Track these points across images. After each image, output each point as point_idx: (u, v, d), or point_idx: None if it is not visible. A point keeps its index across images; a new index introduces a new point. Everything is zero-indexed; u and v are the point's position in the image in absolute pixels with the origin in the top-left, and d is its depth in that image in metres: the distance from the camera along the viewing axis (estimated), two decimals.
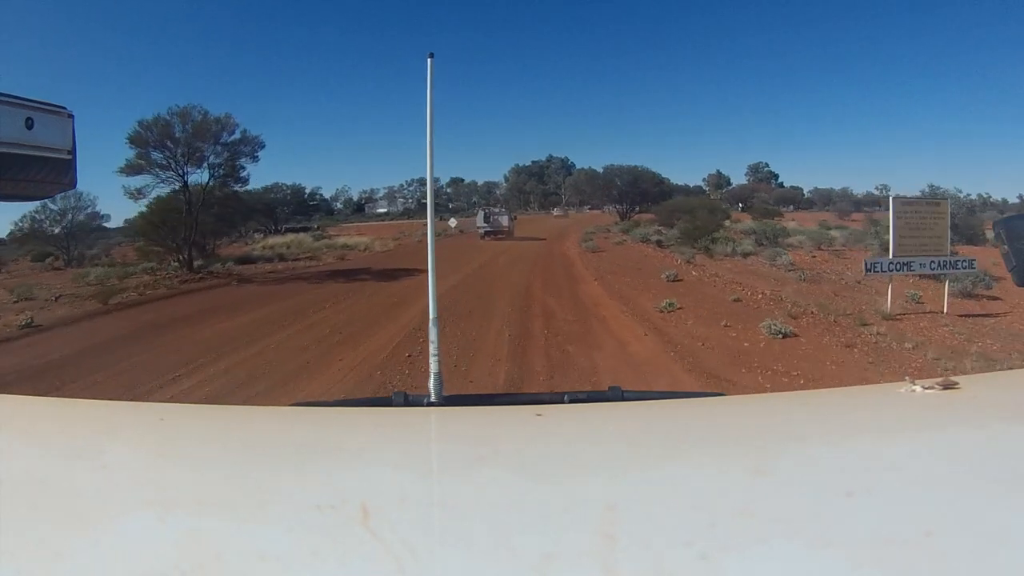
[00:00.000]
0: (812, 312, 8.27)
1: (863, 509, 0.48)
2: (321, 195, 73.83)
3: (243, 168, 18.89)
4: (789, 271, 13.20)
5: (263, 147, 18.89)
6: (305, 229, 42.42)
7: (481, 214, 32.20)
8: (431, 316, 1.15)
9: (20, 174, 1.30)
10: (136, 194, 18.04)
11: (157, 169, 17.73)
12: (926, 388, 0.78)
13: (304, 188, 63.51)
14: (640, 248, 20.15)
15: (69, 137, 1.41)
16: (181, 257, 18.03)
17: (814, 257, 17.08)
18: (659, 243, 20.45)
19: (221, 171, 18.36)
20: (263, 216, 49.18)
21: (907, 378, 0.82)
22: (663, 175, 50.95)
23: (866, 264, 8.70)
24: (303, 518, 0.49)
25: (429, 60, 1.27)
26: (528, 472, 0.60)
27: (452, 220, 37.94)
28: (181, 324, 9.29)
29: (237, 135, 18.21)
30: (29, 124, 1.29)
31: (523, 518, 0.49)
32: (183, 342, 7.72)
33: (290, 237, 33.68)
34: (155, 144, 17.38)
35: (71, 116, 1.43)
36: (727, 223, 23.62)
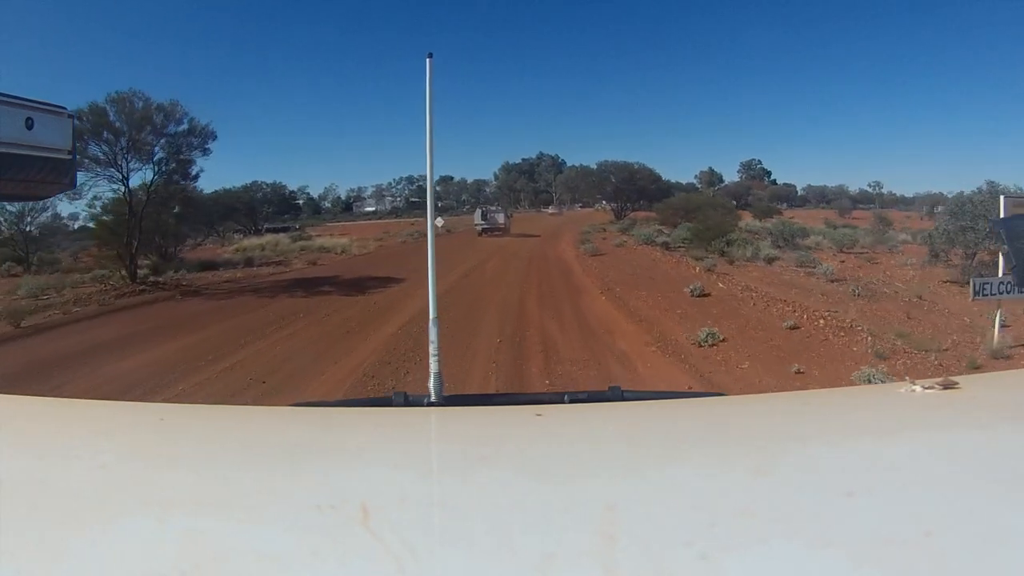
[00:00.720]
0: (903, 349, 6.18)
1: (863, 509, 0.48)
2: (308, 194, 71.79)
3: (192, 163, 16.45)
4: (832, 282, 11.13)
5: (215, 139, 16.43)
6: (286, 229, 40.83)
7: (479, 212, 33.36)
8: (431, 316, 1.12)
9: (20, 174, 1.27)
10: (71, 194, 15.64)
11: (95, 165, 15.29)
12: (926, 388, 0.76)
13: (284, 186, 61.29)
14: (645, 251, 18.01)
15: (69, 137, 1.39)
16: (126, 266, 15.71)
17: (843, 262, 15.05)
18: (666, 245, 18.35)
19: (168, 166, 15.89)
20: (242, 216, 47.36)
21: (907, 378, 0.81)
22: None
23: (974, 286, 6.54)
24: (303, 518, 0.48)
25: (428, 60, 1.25)
26: (528, 472, 0.59)
27: (439, 219, 35.80)
28: (73, 363, 7.09)
29: (185, 125, 15.79)
30: (29, 124, 1.26)
31: (523, 518, 0.48)
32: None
33: (267, 238, 32.22)
34: (91, 136, 14.95)
35: (71, 116, 1.42)
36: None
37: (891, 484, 0.53)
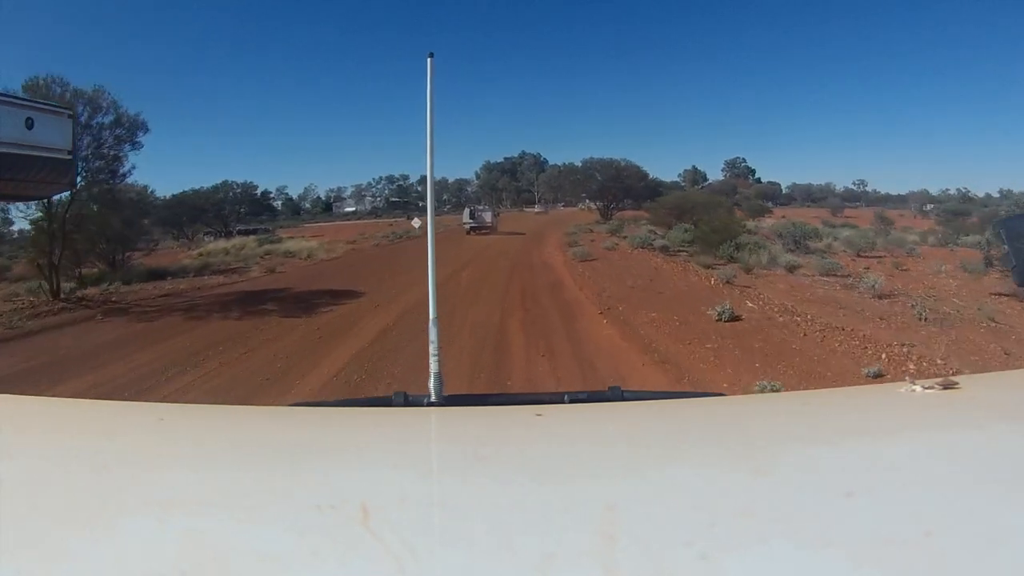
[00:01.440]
0: None
1: (863, 509, 0.48)
2: (287, 194, 69.27)
3: (121, 159, 14.16)
4: (879, 298, 9.31)
5: (147, 131, 14.24)
6: (256, 231, 38.81)
7: (467, 211, 33.54)
8: (431, 316, 1.13)
9: (20, 174, 0.82)
10: None
11: None
12: (926, 388, 0.76)
13: (256, 186, 58.62)
14: (641, 256, 16.08)
15: (69, 137, 0.83)
16: (47, 278, 13.51)
17: (867, 269, 13.33)
18: (665, 249, 16.51)
19: (93, 164, 13.61)
20: (212, 217, 44.99)
21: (907, 378, 0.81)
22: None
23: None
24: (303, 518, 0.48)
25: (429, 60, 1.25)
26: (528, 472, 0.58)
27: (416, 220, 33.66)
28: None
29: (111, 116, 13.55)
30: (29, 124, 0.88)
31: (523, 518, 0.48)
32: None
33: (235, 241, 30.29)
34: None
35: (71, 116, 0.76)
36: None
37: (891, 484, 0.52)
